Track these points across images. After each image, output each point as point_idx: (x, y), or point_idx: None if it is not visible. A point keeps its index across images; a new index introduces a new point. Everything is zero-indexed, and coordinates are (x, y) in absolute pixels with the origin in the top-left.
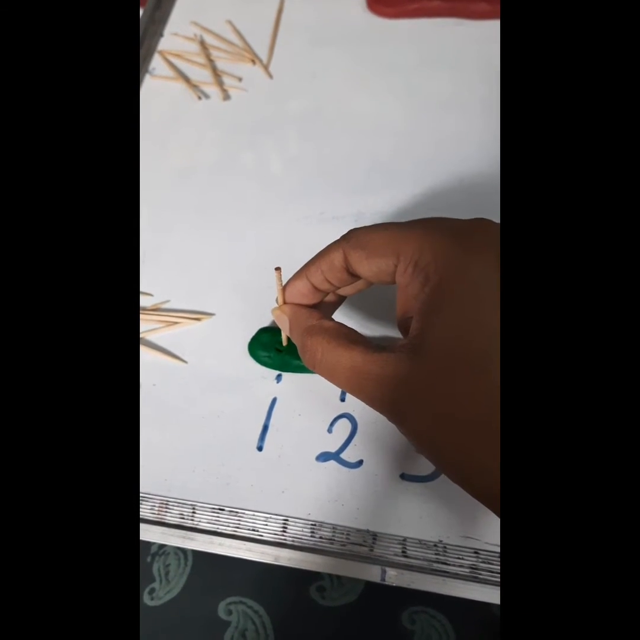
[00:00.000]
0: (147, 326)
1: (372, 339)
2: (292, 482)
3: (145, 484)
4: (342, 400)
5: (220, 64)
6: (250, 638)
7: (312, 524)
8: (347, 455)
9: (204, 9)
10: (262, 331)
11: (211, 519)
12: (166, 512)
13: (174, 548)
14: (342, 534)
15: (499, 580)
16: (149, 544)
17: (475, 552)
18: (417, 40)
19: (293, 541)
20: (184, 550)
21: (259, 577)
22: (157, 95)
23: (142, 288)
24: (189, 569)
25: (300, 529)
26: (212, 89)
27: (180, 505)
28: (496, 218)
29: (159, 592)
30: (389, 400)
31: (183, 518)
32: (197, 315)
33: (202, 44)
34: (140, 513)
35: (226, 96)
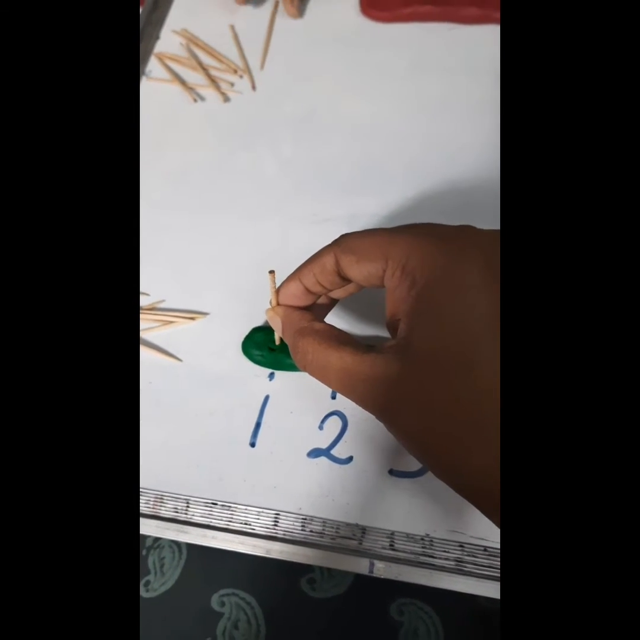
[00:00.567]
0: (144, 325)
1: (363, 340)
2: (283, 478)
3: (141, 479)
4: (333, 398)
5: (213, 71)
6: (242, 629)
7: (303, 518)
8: (338, 451)
9: (201, 11)
10: (256, 330)
11: (205, 513)
12: (161, 506)
13: (168, 541)
14: (332, 527)
15: (483, 572)
16: (144, 537)
17: (461, 546)
18: (409, 44)
19: (284, 535)
20: (178, 544)
21: (251, 569)
22: (153, 97)
23: None
24: (183, 561)
25: (292, 523)
26: (207, 92)
27: (174, 499)
28: (486, 219)
29: (154, 584)
30: (378, 400)
31: (177, 512)
32: (192, 314)
33: (193, 53)
34: None
35: (226, 98)
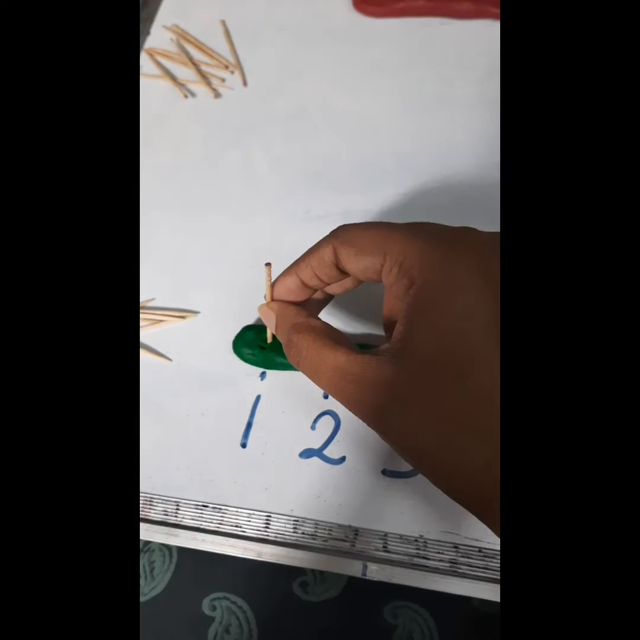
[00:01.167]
0: None
1: (357, 338)
2: (275, 479)
3: None
4: (325, 397)
5: (204, 67)
6: (234, 633)
7: (294, 520)
8: (330, 451)
9: (191, 6)
10: (246, 329)
11: (195, 516)
12: (150, 509)
13: (158, 545)
14: (325, 529)
15: (478, 574)
16: None
17: (455, 547)
18: (402, 40)
19: (276, 537)
20: (168, 547)
21: (243, 572)
22: (144, 93)
23: None
24: (173, 565)
25: (283, 525)
26: (198, 87)
27: (164, 502)
28: (480, 215)
29: (143, 588)
30: (370, 403)
31: (167, 515)
32: (182, 313)
33: (184, 49)
34: None
35: (217, 94)
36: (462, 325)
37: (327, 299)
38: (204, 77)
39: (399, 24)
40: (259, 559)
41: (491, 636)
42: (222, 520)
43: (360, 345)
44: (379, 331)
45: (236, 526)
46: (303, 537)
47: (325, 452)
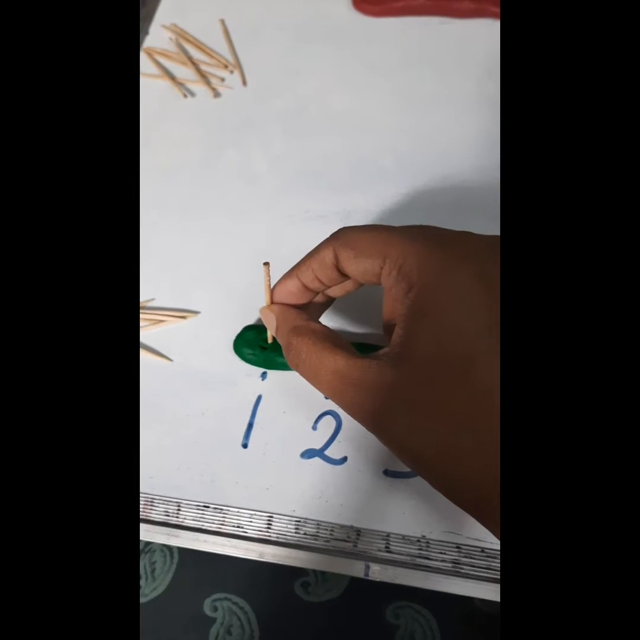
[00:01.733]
0: None
1: (358, 339)
2: (276, 479)
3: None
4: (327, 397)
5: (203, 66)
6: (235, 634)
7: (296, 521)
8: (332, 452)
9: (190, 5)
10: (247, 329)
11: (196, 516)
12: (151, 509)
13: (159, 545)
14: (326, 530)
15: (480, 574)
16: None
17: (457, 547)
18: (402, 39)
19: (277, 537)
20: (169, 548)
21: (244, 573)
22: (142, 93)
23: None
24: (174, 566)
25: (285, 525)
26: (197, 87)
27: (165, 502)
28: (480, 214)
29: (144, 589)
30: (369, 407)
31: (168, 515)
32: (183, 313)
33: (183, 48)
34: None
35: (216, 94)
36: (461, 329)
37: (329, 302)
38: (203, 76)
39: (398, 23)
40: (261, 559)
41: (493, 636)
42: (224, 521)
43: (361, 345)
44: (380, 332)
45: (238, 527)
46: (305, 538)
47: (327, 452)
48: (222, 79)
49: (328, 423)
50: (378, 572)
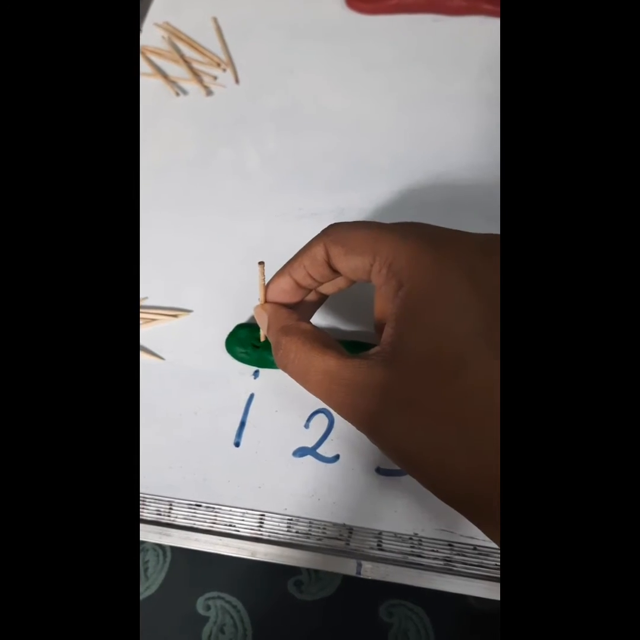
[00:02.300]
0: None
1: (350, 337)
2: (268, 478)
3: None
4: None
5: (196, 64)
6: (228, 633)
7: (288, 519)
8: (324, 450)
9: (183, 3)
10: (239, 327)
11: (188, 515)
12: (143, 508)
13: (152, 544)
14: (319, 528)
15: (472, 572)
16: None
17: (450, 545)
18: (395, 36)
19: (269, 536)
20: (162, 547)
21: (238, 572)
22: None
23: None
24: (167, 565)
25: (277, 523)
26: (189, 85)
27: (157, 501)
28: (474, 213)
29: None
30: (360, 407)
31: (160, 514)
32: (175, 312)
33: (175, 47)
34: None
35: (209, 92)
36: (451, 329)
37: (321, 300)
38: (196, 74)
39: (391, 20)
40: (253, 558)
41: (486, 633)
42: (216, 520)
43: (352, 343)
44: (372, 331)
45: (230, 525)
46: (297, 536)
47: (319, 450)
48: (215, 77)
49: (320, 421)
50: (370, 570)
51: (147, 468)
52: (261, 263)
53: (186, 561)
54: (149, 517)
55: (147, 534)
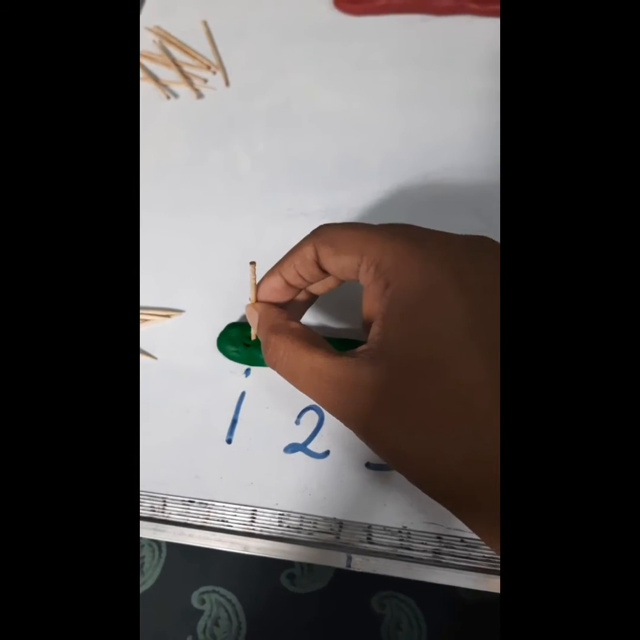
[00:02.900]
0: None
1: (340, 334)
2: (260, 474)
3: None
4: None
5: (186, 68)
6: (223, 626)
7: (280, 514)
8: (314, 446)
9: (174, 7)
10: (231, 326)
11: (181, 511)
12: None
13: (148, 540)
14: (310, 522)
15: (460, 564)
16: None
17: (438, 537)
18: (384, 37)
19: (261, 531)
20: (158, 542)
21: (232, 566)
22: None
23: None
24: (163, 560)
25: (269, 518)
26: (180, 88)
27: (151, 498)
28: (463, 213)
29: None
30: (348, 405)
31: (154, 511)
32: (168, 312)
33: (166, 50)
34: None
35: (199, 95)
36: (438, 327)
37: (312, 299)
38: (186, 77)
39: (379, 21)
40: (246, 552)
41: (476, 622)
42: (209, 515)
43: (342, 341)
44: (360, 328)
45: (222, 521)
46: (288, 531)
47: (310, 446)
48: (205, 80)
49: (311, 417)
50: (360, 563)
51: (141, 465)
52: (252, 263)
53: (181, 556)
54: (144, 513)
55: (143, 531)
